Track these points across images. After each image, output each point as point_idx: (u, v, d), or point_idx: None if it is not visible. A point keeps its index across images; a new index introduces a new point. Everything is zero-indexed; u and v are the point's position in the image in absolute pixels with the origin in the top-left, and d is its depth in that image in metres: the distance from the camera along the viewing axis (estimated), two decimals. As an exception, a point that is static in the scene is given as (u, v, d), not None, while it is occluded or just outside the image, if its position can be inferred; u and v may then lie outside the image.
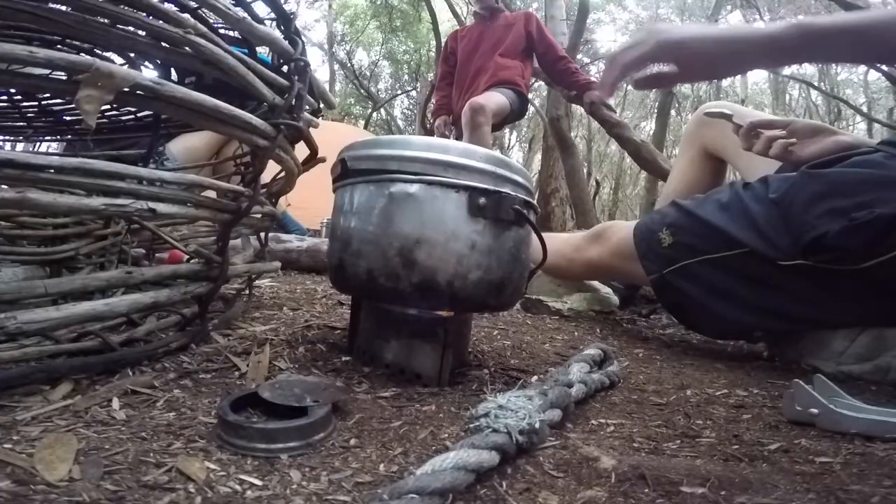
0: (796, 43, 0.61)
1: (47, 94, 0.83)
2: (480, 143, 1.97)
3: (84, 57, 0.38)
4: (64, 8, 0.42)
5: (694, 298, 0.86)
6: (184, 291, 0.57)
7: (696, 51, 0.63)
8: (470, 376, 0.60)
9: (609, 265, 1.05)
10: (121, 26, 0.45)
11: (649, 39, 0.64)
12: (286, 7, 0.60)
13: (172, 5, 0.48)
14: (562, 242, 1.15)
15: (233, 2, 0.55)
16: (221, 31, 0.62)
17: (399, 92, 12.55)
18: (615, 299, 1.22)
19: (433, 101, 2.89)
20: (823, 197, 0.71)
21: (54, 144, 1.26)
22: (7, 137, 1.11)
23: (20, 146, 1.18)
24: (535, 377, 0.61)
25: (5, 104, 0.87)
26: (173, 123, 0.92)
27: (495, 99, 2.19)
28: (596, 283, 1.24)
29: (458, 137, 2.26)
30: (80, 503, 0.29)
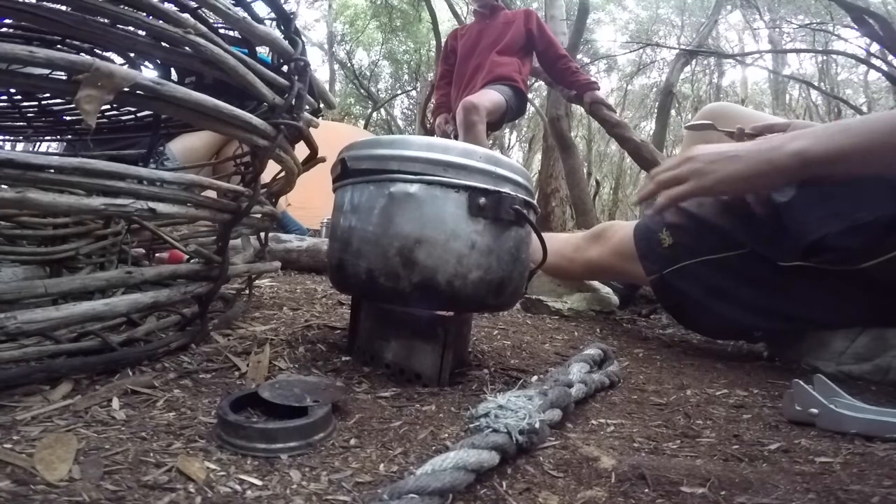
0: (802, 173, 0.70)
1: (47, 94, 0.83)
2: (475, 142, 1.96)
3: (84, 57, 0.38)
4: (64, 8, 0.42)
5: (694, 299, 0.86)
6: (184, 291, 0.56)
7: (725, 191, 0.77)
8: (470, 376, 0.60)
9: (609, 265, 1.05)
10: (121, 26, 0.45)
11: (691, 178, 0.75)
12: (286, 7, 0.60)
13: (172, 5, 0.48)
14: (562, 242, 1.15)
15: (233, 2, 0.55)
16: (221, 31, 0.62)
17: (399, 92, 12.55)
18: (615, 299, 1.22)
19: (433, 100, 2.89)
20: (824, 199, 0.71)
21: (54, 144, 1.26)
22: (7, 137, 1.11)
23: (20, 146, 1.18)
24: (535, 377, 0.61)
25: (5, 104, 0.87)
26: (173, 123, 0.92)
27: (489, 96, 2.18)
28: (596, 283, 1.24)
29: (458, 136, 2.25)
30: (80, 503, 0.29)
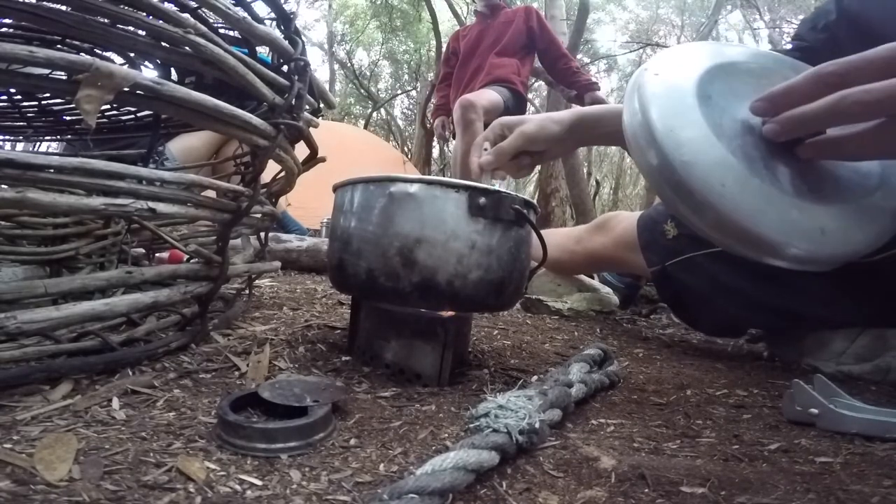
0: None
1: (47, 94, 0.83)
2: (472, 141, 1.96)
3: (84, 57, 0.38)
4: (64, 8, 0.42)
5: (695, 292, 0.85)
6: (184, 291, 0.56)
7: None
8: (470, 376, 0.60)
9: (612, 256, 1.05)
10: (121, 26, 0.45)
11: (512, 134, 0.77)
12: (286, 7, 0.60)
13: (172, 5, 0.48)
14: (563, 236, 1.15)
15: (233, 2, 0.55)
16: (221, 30, 0.62)
17: (399, 92, 12.55)
18: (615, 299, 1.22)
19: (433, 101, 2.89)
20: None
21: (54, 144, 1.26)
22: (7, 137, 1.11)
23: (20, 146, 1.18)
24: (535, 377, 0.61)
25: (5, 104, 0.87)
26: (173, 123, 0.92)
27: (487, 96, 2.17)
28: (596, 283, 1.24)
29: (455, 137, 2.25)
30: (80, 503, 0.29)
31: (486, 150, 0.78)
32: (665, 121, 0.48)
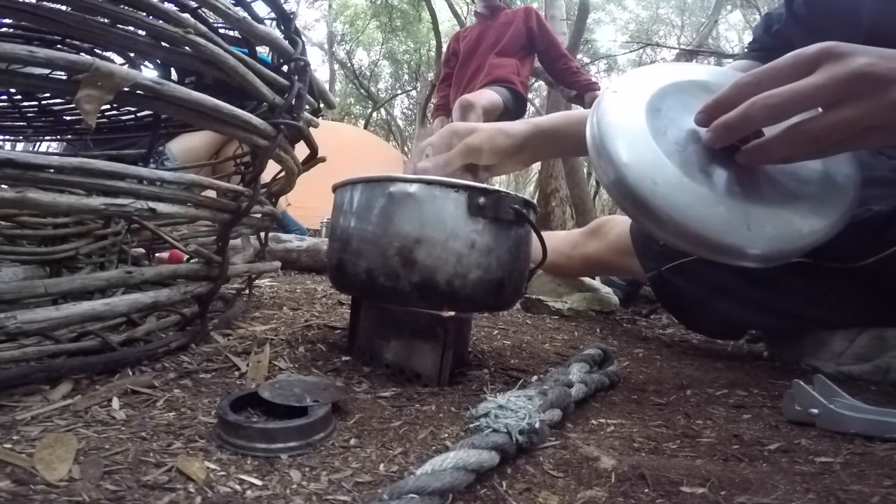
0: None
1: (47, 94, 0.83)
2: None
3: (84, 57, 0.38)
4: (64, 8, 0.42)
5: (692, 296, 0.85)
6: (184, 291, 0.57)
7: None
8: (470, 376, 0.60)
9: (607, 261, 1.05)
10: (121, 26, 0.45)
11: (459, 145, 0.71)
12: (286, 7, 0.60)
13: (172, 5, 0.48)
14: (560, 240, 1.15)
15: (233, 2, 0.55)
16: (221, 30, 0.62)
17: (399, 92, 12.56)
18: (615, 299, 1.22)
19: (433, 101, 2.89)
20: None
21: (54, 144, 1.26)
22: (7, 137, 1.11)
23: (20, 146, 1.18)
24: (535, 377, 0.61)
25: (5, 104, 0.87)
26: (173, 123, 0.92)
27: (486, 96, 2.17)
28: (596, 283, 1.24)
29: None
30: (80, 503, 0.29)
31: (427, 155, 0.72)
32: (612, 129, 0.53)
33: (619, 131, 0.52)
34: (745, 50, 0.83)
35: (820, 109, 0.45)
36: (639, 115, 0.53)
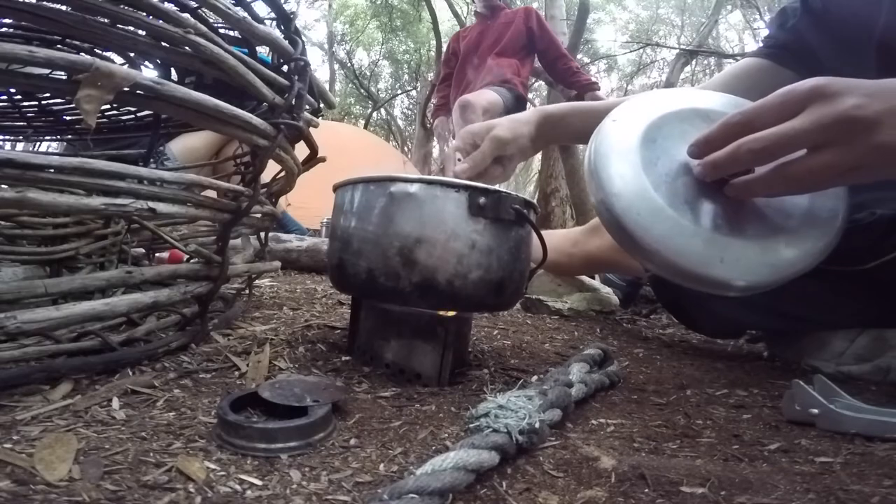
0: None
1: (47, 94, 0.83)
2: None
3: (84, 56, 0.38)
4: (64, 8, 0.42)
5: (692, 296, 0.85)
6: (184, 291, 0.57)
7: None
8: (470, 376, 0.60)
9: (608, 258, 1.05)
10: (121, 26, 0.45)
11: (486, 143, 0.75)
12: (286, 7, 0.60)
13: (172, 5, 0.48)
14: (561, 238, 1.15)
15: (233, 2, 0.55)
16: (221, 30, 0.62)
17: (399, 92, 12.56)
18: (615, 299, 1.22)
19: (433, 101, 2.89)
20: None
21: (54, 144, 1.26)
22: (7, 137, 1.11)
23: (20, 146, 1.18)
24: (535, 377, 0.61)
25: (5, 104, 0.87)
26: (173, 123, 0.92)
27: (486, 96, 2.17)
28: (596, 283, 1.24)
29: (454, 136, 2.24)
30: (80, 503, 0.29)
31: (459, 160, 0.77)
32: (605, 158, 0.54)
33: (612, 161, 0.54)
34: (761, 44, 0.83)
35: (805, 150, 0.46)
36: (632, 146, 0.54)
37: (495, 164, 0.77)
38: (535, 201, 0.60)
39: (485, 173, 0.76)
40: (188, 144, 1.59)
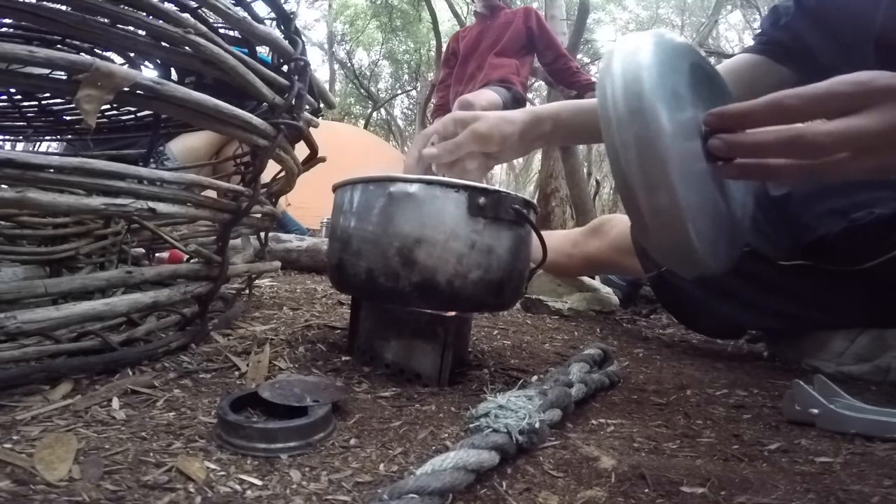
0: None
1: (47, 94, 0.83)
2: None
3: (84, 56, 0.38)
4: (64, 8, 0.42)
5: (692, 296, 0.85)
6: (184, 291, 0.56)
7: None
8: (470, 376, 0.60)
9: (608, 259, 1.05)
10: (121, 26, 0.45)
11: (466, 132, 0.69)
12: (286, 7, 0.60)
13: (172, 5, 0.48)
14: (561, 239, 1.15)
15: (233, 2, 0.55)
16: (221, 30, 0.62)
17: (399, 92, 12.56)
18: (615, 299, 1.22)
19: (433, 101, 2.89)
20: (821, 197, 0.71)
21: (54, 144, 1.26)
22: (7, 137, 1.11)
23: (20, 146, 1.18)
24: (535, 377, 0.61)
25: (5, 104, 0.87)
26: (173, 123, 0.92)
27: (485, 95, 2.17)
28: (596, 283, 1.24)
29: None
30: (80, 503, 0.29)
31: (433, 143, 0.70)
32: (660, 90, 0.45)
33: (663, 95, 0.44)
34: (753, 42, 0.82)
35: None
36: (678, 83, 0.46)
37: (473, 157, 0.70)
38: (535, 201, 0.59)
39: (455, 165, 0.70)
40: (188, 144, 1.58)
